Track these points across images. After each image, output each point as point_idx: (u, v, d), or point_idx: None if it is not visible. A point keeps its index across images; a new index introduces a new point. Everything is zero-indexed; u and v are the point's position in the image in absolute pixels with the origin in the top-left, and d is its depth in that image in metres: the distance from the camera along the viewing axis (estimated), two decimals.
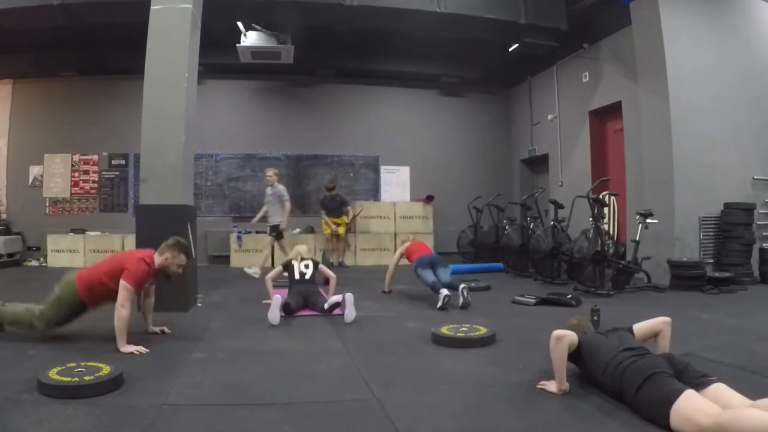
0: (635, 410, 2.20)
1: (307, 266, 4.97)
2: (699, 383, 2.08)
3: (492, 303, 5.22)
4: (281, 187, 7.67)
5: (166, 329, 3.79)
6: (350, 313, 4.24)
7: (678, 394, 2.01)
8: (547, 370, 2.87)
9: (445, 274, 5.22)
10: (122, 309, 3.29)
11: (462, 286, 4.93)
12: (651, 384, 2.13)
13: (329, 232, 9.06)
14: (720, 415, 1.88)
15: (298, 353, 3.34)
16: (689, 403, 1.97)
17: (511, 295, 5.39)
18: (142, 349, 3.25)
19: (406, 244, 5.82)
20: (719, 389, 2.06)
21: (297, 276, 4.90)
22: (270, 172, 7.72)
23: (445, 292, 4.83)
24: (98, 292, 3.45)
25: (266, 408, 2.36)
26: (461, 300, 4.84)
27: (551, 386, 2.52)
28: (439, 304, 4.78)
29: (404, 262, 5.76)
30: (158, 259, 3.51)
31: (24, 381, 2.57)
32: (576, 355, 2.57)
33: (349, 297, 4.31)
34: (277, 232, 7.62)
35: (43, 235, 8.93)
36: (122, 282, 3.34)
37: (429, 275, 5.16)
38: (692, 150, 6.37)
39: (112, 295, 3.39)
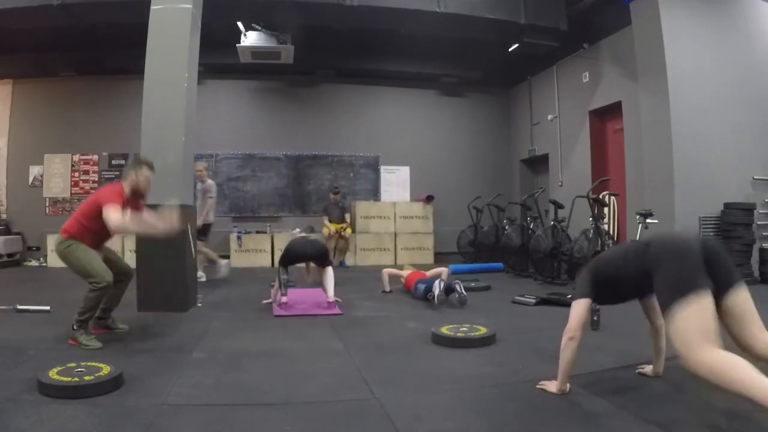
0: (655, 290, 2.10)
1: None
2: (722, 286, 1.96)
3: (492, 303, 5.22)
4: (210, 183, 7.24)
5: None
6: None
7: (692, 291, 1.87)
8: (547, 370, 2.86)
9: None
10: (119, 221, 3.37)
11: (456, 281, 5.04)
12: (675, 260, 1.98)
13: (328, 232, 9.17)
14: (714, 359, 1.78)
15: (298, 353, 3.34)
16: (694, 319, 1.85)
17: (511, 295, 5.39)
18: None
19: (408, 273, 5.89)
20: (740, 301, 1.94)
21: (298, 235, 5.07)
22: (200, 167, 7.19)
23: (436, 285, 4.90)
24: (83, 235, 3.53)
25: (266, 408, 2.36)
26: (457, 296, 4.89)
27: (551, 386, 2.52)
28: (435, 294, 4.83)
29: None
30: (126, 185, 3.65)
31: (24, 381, 2.57)
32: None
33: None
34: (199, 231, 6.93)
35: (43, 235, 8.93)
36: (106, 208, 3.39)
37: (422, 287, 5.24)
38: (692, 150, 6.37)
39: (95, 236, 3.53)
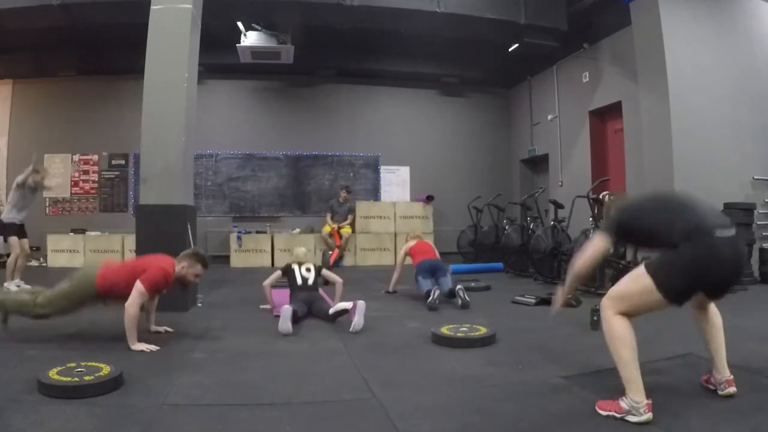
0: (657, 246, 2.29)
1: (308, 270, 4.72)
2: (707, 296, 2.28)
3: (492, 303, 5.22)
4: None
5: (168, 329, 3.80)
6: (359, 322, 3.89)
7: (668, 292, 2.12)
8: (547, 370, 2.87)
9: (446, 282, 5.16)
10: (131, 308, 3.30)
11: (458, 287, 4.91)
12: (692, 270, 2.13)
13: (329, 230, 9.22)
14: (616, 326, 2.17)
15: (298, 353, 3.33)
16: (639, 294, 2.16)
17: (511, 295, 5.38)
18: (152, 347, 3.28)
19: (410, 244, 5.76)
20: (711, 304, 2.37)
21: (299, 282, 4.63)
22: None
23: (435, 289, 4.84)
24: (118, 294, 3.43)
25: (266, 408, 2.36)
26: (460, 301, 4.82)
27: (558, 297, 2.66)
28: (429, 299, 4.77)
29: (408, 260, 5.73)
30: (177, 267, 3.55)
31: (24, 381, 2.56)
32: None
33: (361, 304, 3.94)
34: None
35: (43, 235, 8.92)
36: (137, 283, 3.36)
37: (427, 284, 5.10)
38: (692, 150, 6.37)
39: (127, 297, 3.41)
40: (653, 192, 2.68)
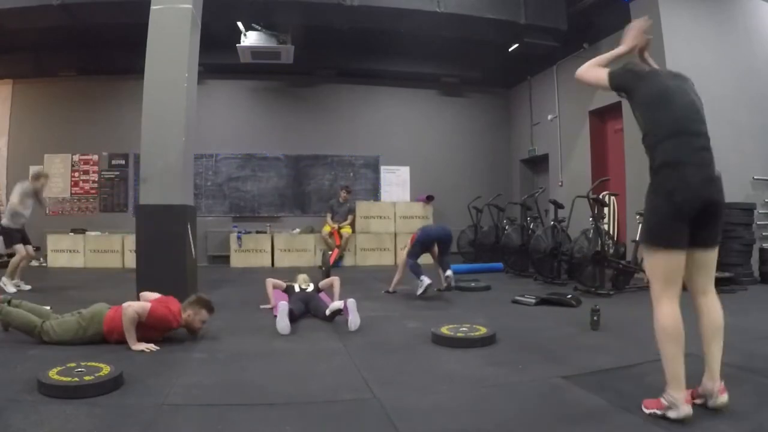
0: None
1: (307, 285, 4.89)
2: (701, 243, 2.21)
3: (492, 303, 5.22)
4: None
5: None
6: (354, 320, 3.96)
7: (668, 246, 2.15)
8: (547, 370, 2.87)
9: (447, 262, 5.43)
10: (129, 309, 3.31)
11: (448, 272, 5.33)
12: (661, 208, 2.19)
13: (329, 229, 9.22)
14: (664, 319, 2.12)
15: (298, 353, 3.33)
16: (662, 267, 2.16)
17: (511, 295, 5.38)
18: (153, 346, 3.29)
19: (411, 236, 5.84)
20: (709, 258, 2.24)
21: (297, 290, 4.79)
22: None
23: (426, 281, 5.12)
24: (122, 337, 3.39)
25: (266, 408, 2.36)
26: (444, 283, 5.22)
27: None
28: (421, 290, 5.02)
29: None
30: (183, 315, 3.58)
31: (24, 381, 2.56)
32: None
33: (352, 302, 4.04)
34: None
35: (43, 235, 8.92)
36: (145, 305, 3.39)
37: (414, 259, 5.35)
38: None
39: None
40: (661, 75, 2.59)
